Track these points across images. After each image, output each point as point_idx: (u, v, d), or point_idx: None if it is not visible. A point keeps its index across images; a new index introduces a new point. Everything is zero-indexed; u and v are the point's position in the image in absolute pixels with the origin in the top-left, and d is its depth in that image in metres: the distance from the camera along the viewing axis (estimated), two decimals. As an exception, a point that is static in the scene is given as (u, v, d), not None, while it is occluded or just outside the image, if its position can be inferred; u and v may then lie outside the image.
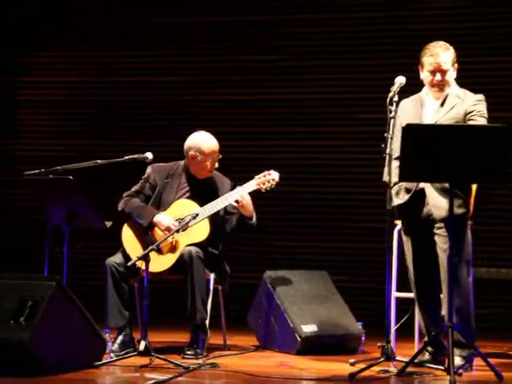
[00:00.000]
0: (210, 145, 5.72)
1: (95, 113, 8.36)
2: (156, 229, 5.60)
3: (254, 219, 5.68)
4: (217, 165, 5.76)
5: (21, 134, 8.52)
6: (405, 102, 5.18)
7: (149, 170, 5.81)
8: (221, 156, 5.75)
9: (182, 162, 5.83)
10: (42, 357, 4.69)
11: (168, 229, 5.50)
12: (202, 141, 5.73)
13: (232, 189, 5.74)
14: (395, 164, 4.94)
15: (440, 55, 5.08)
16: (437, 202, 5.01)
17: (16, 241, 8.27)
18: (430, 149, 4.69)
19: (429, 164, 4.71)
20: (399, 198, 5.12)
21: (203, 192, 5.73)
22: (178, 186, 5.76)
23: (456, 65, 5.16)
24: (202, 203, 5.64)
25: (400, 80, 5.05)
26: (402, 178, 4.85)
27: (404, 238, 5.24)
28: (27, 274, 5.04)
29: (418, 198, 5.08)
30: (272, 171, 5.72)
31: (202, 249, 5.55)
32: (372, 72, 7.75)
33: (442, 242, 5.02)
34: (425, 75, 5.16)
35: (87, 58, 8.39)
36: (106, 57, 8.36)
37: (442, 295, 5.09)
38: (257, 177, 5.69)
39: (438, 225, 5.05)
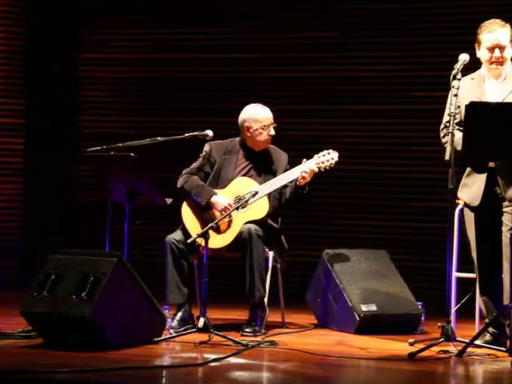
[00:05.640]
0: (263, 112, 5.75)
1: (157, 90, 8.39)
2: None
3: (307, 189, 5.66)
4: (273, 132, 5.75)
5: (83, 111, 8.60)
6: (462, 80, 5.09)
7: (207, 147, 5.83)
8: (275, 125, 5.75)
9: (238, 139, 5.84)
10: (102, 332, 4.76)
11: (225, 209, 5.52)
12: (255, 110, 5.76)
13: (289, 162, 5.76)
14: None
15: (498, 31, 5.05)
16: (507, 181, 4.93)
17: (77, 217, 8.38)
18: (495, 127, 4.64)
19: (493, 142, 4.66)
20: (470, 196, 5.07)
21: (261, 166, 5.76)
22: (236, 161, 5.78)
23: None
24: (260, 177, 5.68)
25: (464, 57, 5.02)
26: (465, 156, 4.80)
27: (467, 216, 5.17)
28: (89, 250, 5.11)
29: (489, 176, 5.02)
30: (331, 150, 5.68)
31: (262, 223, 5.57)
32: (428, 49, 7.65)
33: (508, 219, 4.97)
34: (482, 53, 5.10)
35: (150, 35, 8.41)
36: (168, 33, 8.37)
37: (503, 275, 5.03)
38: (316, 156, 5.66)
39: (506, 203, 5.01)
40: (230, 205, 5.55)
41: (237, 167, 5.77)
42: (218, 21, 8.25)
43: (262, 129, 5.71)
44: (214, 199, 5.60)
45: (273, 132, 5.75)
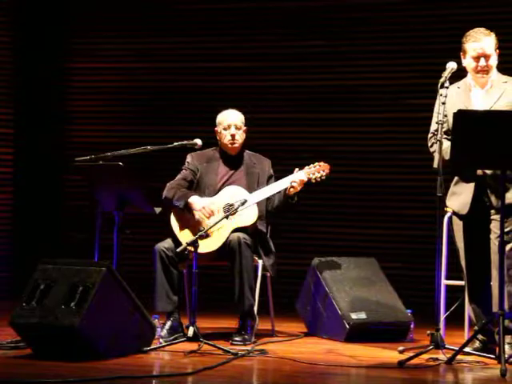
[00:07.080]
0: (225, 114, 5.84)
1: (145, 99, 8.40)
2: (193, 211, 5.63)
3: (296, 198, 5.69)
4: (234, 132, 5.74)
5: (72, 121, 8.59)
6: (449, 89, 5.11)
7: (188, 158, 5.89)
8: (245, 128, 5.79)
9: (218, 147, 5.89)
10: (92, 342, 4.75)
11: (202, 210, 5.54)
12: (222, 114, 5.87)
13: (279, 171, 5.79)
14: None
15: (483, 40, 5.06)
16: (495, 189, 4.96)
17: (66, 227, 8.36)
18: (483, 135, 4.66)
19: (481, 150, 4.69)
20: (459, 205, 5.09)
21: (243, 169, 5.81)
22: (218, 167, 5.83)
23: (498, 50, 5.11)
24: (244, 181, 5.73)
25: (451, 65, 5.04)
26: (453, 165, 4.82)
27: (456, 224, 5.19)
28: (78, 260, 5.10)
29: (477, 185, 5.04)
30: (323, 163, 5.73)
31: (251, 231, 5.59)
32: (418, 57, 7.67)
33: (496, 227, 4.98)
34: (468, 62, 5.12)
35: (137, 45, 8.42)
36: (155, 43, 8.38)
37: (491, 282, 5.04)
38: (307, 167, 5.71)
39: (494, 211, 5.02)
40: (207, 206, 5.56)
41: (219, 173, 5.82)
42: (206, 30, 8.26)
43: (224, 129, 5.79)
44: (190, 200, 5.63)
45: (233, 132, 5.75)
